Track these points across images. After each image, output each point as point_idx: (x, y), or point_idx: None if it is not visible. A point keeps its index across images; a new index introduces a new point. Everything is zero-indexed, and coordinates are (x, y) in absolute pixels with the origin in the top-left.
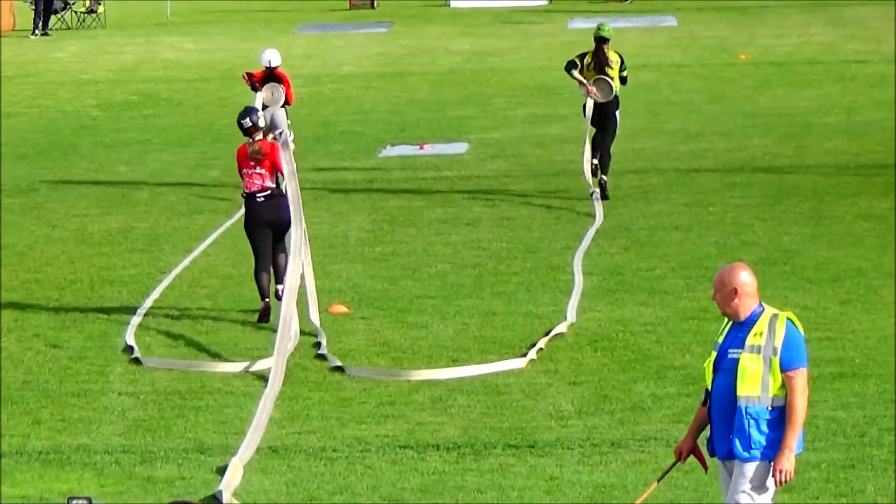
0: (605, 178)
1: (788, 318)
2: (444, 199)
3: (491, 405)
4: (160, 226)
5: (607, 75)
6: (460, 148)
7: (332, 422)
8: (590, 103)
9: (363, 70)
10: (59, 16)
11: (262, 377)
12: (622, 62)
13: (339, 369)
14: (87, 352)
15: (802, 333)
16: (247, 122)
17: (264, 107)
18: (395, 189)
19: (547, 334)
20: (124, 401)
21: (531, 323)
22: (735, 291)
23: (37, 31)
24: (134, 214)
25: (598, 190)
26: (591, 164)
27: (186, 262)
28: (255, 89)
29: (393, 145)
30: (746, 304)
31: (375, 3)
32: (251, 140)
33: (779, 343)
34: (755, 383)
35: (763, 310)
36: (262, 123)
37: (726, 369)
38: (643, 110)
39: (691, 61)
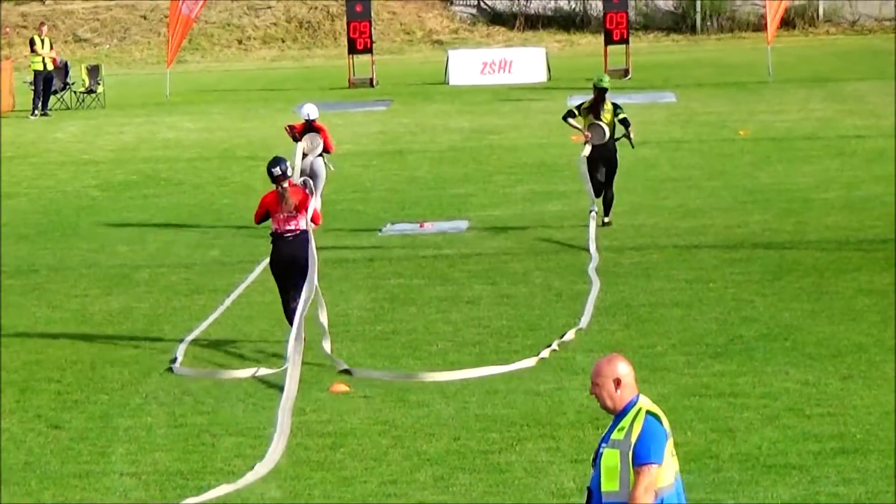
0: (607, 220)
1: (649, 412)
2: (445, 277)
3: (493, 483)
4: (160, 306)
5: (601, 120)
6: (461, 226)
7: (334, 502)
8: (586, 149)
9: (363, 148)
10: (58, 96)
11: (262, 456)
12: (615, 108)
13: (347, 372)
14: (89, 433)
15: (666, 429)
16: (276, 170)
17: (304, 155)
18: (396, 267)
19: (561, 337)
20: (126, 482)
21: (533, 401)
22: (618, 382)
23: (36, 112)
24: (134, 295)
25: (595, 210)
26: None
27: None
28: (295, 139)
29: (393, 223)
30: (624, 396)
31: (374, 82)
32: (281, 188)
33: (634, 437)
34: (614, 479)
35: (636, 402)
36: (290, 172)
37: (597, 465)
38: (643, 186)
39: (691, 137)
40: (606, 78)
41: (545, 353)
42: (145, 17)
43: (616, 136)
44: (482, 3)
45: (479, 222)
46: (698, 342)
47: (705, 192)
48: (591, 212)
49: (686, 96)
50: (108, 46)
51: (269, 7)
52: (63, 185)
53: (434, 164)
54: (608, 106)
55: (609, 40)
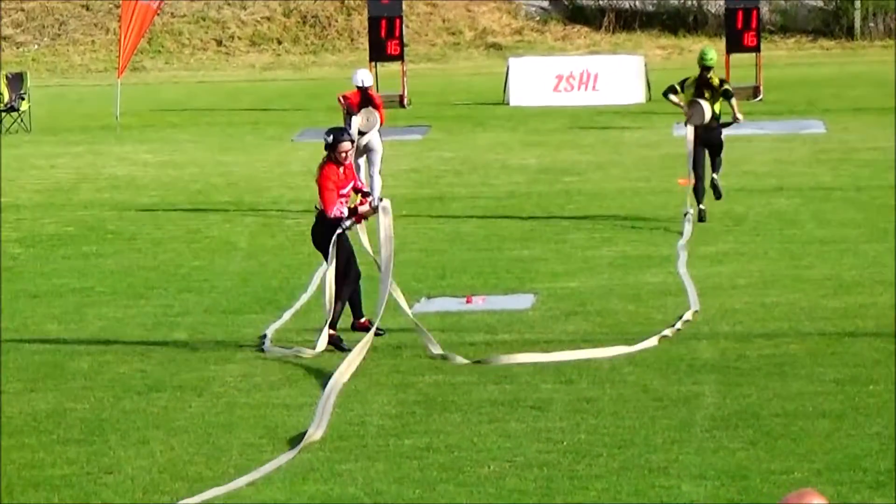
0: (715, 176)
1: None
2: (501, 372)
3: None
4: (105, 408)
5: (705, 98)
6: (523, 302)
7: None
8: (690, 131)
9: (388, 192)
10: None
11: None
12: (722, 84)
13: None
14: None
15: None
16: (333, 137)
17: (360, 133)
18: (434, 360)
19: (680, 318)
20: None
21: None
22: None
23: None
24: (69, 392)
25: (691, 211)
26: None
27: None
28: (350, 114)
29: (429, 298)
30: None
31: (406, 100)
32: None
33: None
34: None
35: None
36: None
37: None
38: (777, 250)
39: (845, 183)
40: (712, 53)
41: (668, 332)
42: (88, 8)
43: (723, 121)
44: None
45: (548, 297)
46: (853, 467)
47: (865, 260)
48: (685, 214)
49: (839, 126)
50: (36, 47)
51: None
52: None
53: (487, 216)
54: (715, 81)
55: (733, 46)
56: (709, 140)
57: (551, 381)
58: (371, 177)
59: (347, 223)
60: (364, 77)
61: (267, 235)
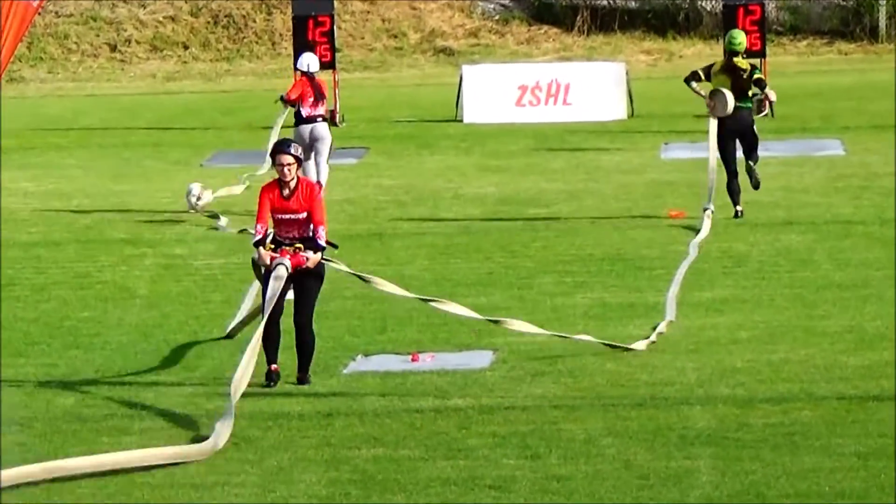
0: (752, 164)
1: None
2: (454, 445)
3: None
4: None
5: (738, 86)
6: (480, 360)
7: None
8: (713, 125)
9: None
10: None
11: None
12: (753, 71)
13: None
14: None
15: None
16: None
17: (305, 122)
18: (371, 429)
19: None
20: None
21: None
22: None
23: None
24: None
25: (712, 207)
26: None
27: None
28: (298, 108)
29: (367, 355)
30: None
31: (340, 117)
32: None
33: None
34: None
35: None
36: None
37: None
38: (787, 296)
39: (867, 215)
40: (742, 37)
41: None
42: None
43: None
44: None
45: (510, 354)
46: None
47: (891, 308)
48: (705, 210)
49: (860, 146)
50: None
51: None
52: None
53: (436, 256)
54: (745, 66)
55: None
56: (738, 127)
57: (514, 456)
58: (317, 164)
59: (286, 262)
60: (311, 61)
61: (171, 280)
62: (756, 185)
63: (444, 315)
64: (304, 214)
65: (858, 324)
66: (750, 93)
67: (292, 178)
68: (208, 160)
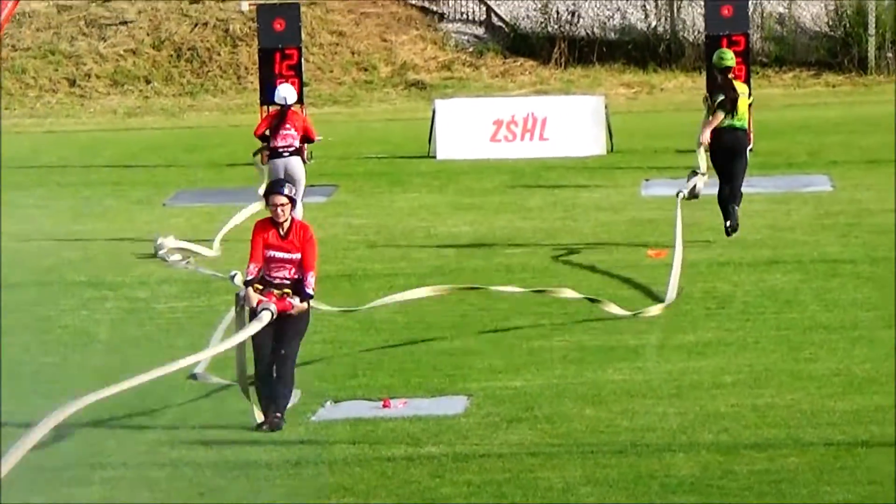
0: (735, 207)
1: None
2: (427, 494)
3: None
4: None
5: (736, 110)
6: (454, 406)
7: None
8: (701, 155)
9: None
10: None
11: None
12: (749, 92)
13: None
14: None
15: None
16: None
17: (279, 155)
18: (341, 477)
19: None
20: None
21: None
22: None
23: None
24: None
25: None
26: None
27: None
28: (264, 139)
29: (336, 402)
30: None
31: (307, 153)
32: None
33: None
34: None
35: None
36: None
37: None
38: (772, 338)
39: (856, 254)
40: (729, 54)
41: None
42: None
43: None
44: (494, 19)
45: (485, 400)
46: None
47: (881, 351)
48: (678, 194)
49: (849, 182)
50: None
51: (125, 22)
52: None
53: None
54: (742, 87)
55: (716, 83)
56: (734, 146)
57: None
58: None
59: (272, 307)
60: (287, 93)
61: (133, 324)
62: (733, 229)
63: (417, 358)
64: (298, 255)
65: (847, 367)
66: (743, 113)
67: (286, 219)
68: (171, 199)
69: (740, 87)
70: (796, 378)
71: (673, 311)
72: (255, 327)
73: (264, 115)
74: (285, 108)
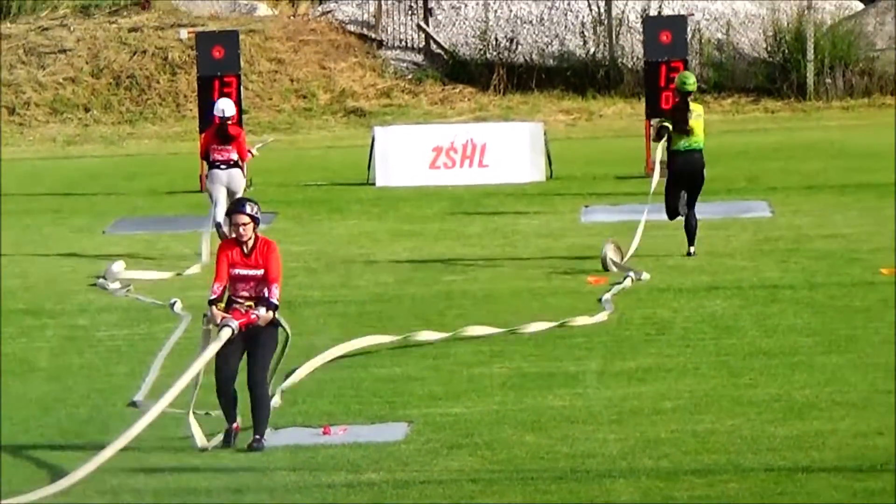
0: (693, 250)
1: None
2: None
3: None
4: None
5: (690, 131)
6: (394, 433)
7: None
8: (655, 175)
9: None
10: None
11: None
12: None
13: None
14: None
15: None
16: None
17: (225, 167)
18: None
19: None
20: None
21: None
22: None
23: None
24: None
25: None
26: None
27: None
28: (206, 159)
29: (276, 429)
30: None
31: (247, 181)
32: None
33: None
34: None
35: None
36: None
37: None
38: (712, 364)
39: (796, 280)
40: (692, 78)
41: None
42: None
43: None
44: (433, 46)
45: (425, 426)
46: None
47: (822, 376)
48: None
49: (788, 208)
50: None
51: (64, 50)
52: None
53: (349, 325)
54: (697, 109)
55: (655, 109)
56: (691, 169)
57: None
58: None
59: (233, 325)
60: (225, 106)
61: (73, 352)
62: (691, 243)
63: (357, 385)
64: (262, 272)
65: (787, 392)
66: (699, 134)
67: (250, 238)
68: (111, 227)
69: (696, 108)
70: (736, 404)
71: (613, 338)
72: (215, 347)
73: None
74: (225, 123)
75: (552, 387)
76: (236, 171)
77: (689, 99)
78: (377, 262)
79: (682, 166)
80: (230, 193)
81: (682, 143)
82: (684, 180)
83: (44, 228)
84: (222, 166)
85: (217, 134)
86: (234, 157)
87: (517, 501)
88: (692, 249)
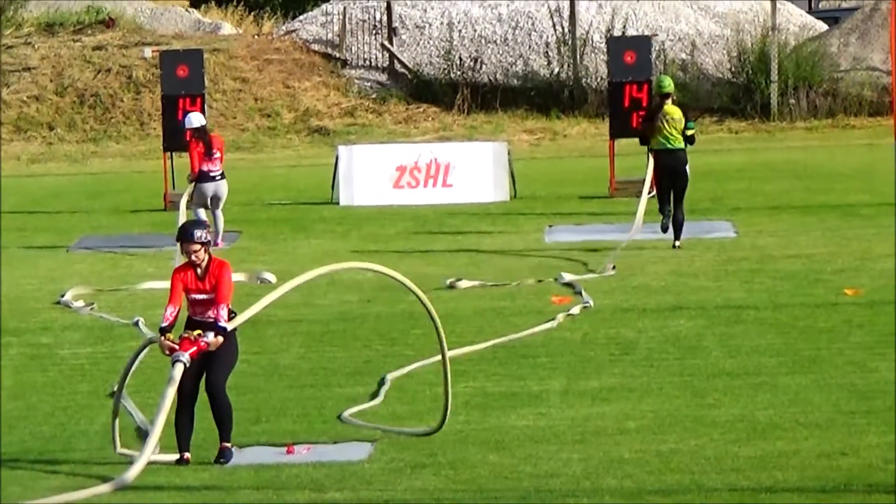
0: (678, 244)
1: None
2: None
3: None
4: None
5: (667, 133)
6: (358, 452)
7: None
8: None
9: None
10: None
11: None
12: (686, 118)
13: None
14: None
15: None
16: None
17: (210, 179)
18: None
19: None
20: None
21: None
22: None
23: None
24: None
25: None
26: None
27: None
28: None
29: (240, 448)
30: None
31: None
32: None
33: None
34: None
35: None
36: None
37: None
38: (676, 384)
39: (760, 300)
40: (667, 80)
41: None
42: None
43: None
44: (397, 65)
45: (389, 446)
46: None
47: (785, 397)
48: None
49: (752, 228)
50: None
51: (28, 69)
52: None
53: (312, 344)
54: (676, 114)
55: (619, 130)
56: (674, 163)
57: None
58: (214, 215)
59: (183, 359)
60: (194, 117)
61: (36, 370)
62: (677, 238)
63: (321, 404)
64: (207, 296)
65: (750, 413)
66: (689, 131)
67: (202, 261)
68: (74, 245)
69: (673, 110)
70: (700, 424)
71: (577, 358)
72: (172, 389)
73: (167, 161)
74: (207, 135)
75: (516, 406)
76: (224, 182)
77: (667, 101)
78: (341, 282)
79: (662, 162)
80: (215, 200)
81: (659, 142)
82: (667, 177)
83: (8, 247)
84: (217, 178)
85: (206, 146)
86: (220, 166)
87: None
88: (677, 243)
